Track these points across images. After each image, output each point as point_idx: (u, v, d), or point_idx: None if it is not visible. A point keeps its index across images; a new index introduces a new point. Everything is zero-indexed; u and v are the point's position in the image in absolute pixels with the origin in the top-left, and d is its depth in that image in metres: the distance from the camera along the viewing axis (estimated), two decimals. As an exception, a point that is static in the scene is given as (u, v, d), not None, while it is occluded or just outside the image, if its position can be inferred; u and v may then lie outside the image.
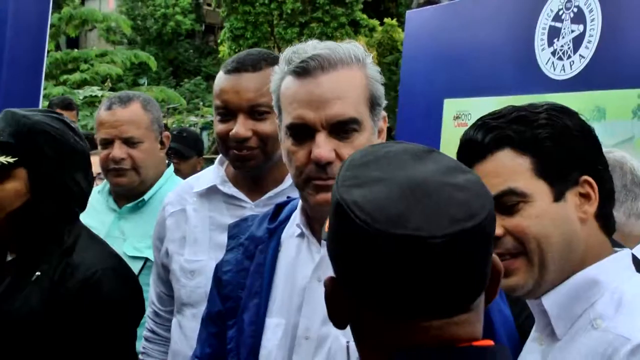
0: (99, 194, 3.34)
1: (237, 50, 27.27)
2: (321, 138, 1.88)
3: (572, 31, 3.80)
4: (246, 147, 2.47)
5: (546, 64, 3.93)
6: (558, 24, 3.89)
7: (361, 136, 1.90)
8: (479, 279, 1.18)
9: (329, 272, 1.93)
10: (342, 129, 1.88)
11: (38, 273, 2.33)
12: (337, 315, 1.27)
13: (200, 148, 5.78)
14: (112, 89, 17.61)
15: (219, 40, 31.89)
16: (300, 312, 1.97)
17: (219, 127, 2.51)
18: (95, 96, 15.64)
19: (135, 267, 2.85)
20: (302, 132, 1.91)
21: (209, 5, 37.90)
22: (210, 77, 32.13)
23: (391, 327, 1.18)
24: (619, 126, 3.54)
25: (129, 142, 3.16)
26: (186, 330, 2.61)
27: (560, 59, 3.86)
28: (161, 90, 24.33)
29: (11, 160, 2.30)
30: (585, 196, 1.66)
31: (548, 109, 1.69)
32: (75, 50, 21.20)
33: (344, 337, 1.87)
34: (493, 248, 1.22)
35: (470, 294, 1.18)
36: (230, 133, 2.46)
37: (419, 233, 1.10)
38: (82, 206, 2.49)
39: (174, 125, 16.70)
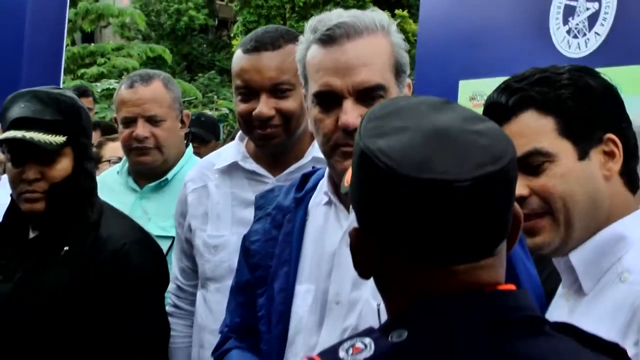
0: (117, 175, 3.33)
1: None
2: (348, 105, 1.89)
3: (587, 9, 3.79)
4: (270, 126, 2.47)
5: (561, 42, 3.92)
6: (573, 3, 3.88)
7: None
8: (503, 224, 1.19)
9: None
10: (368, 95, 1.89)
11: (66, 248, 2.36)
12: (362, 265, 1.27)
13: (218, 133, 5.76)
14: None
15: (232, 34, 31.89)
16: (330, 278, 1.98)
17: (241, 106, 2.51)
18: (113, 89, 15.64)
19: (164, 245, 2.84)
20: (329, 100, 1.92)
21: (222, 0, 37.86)
22: (224, 71, 32.15)
23: (417, 274, 1.19)
24: (636, 101, 3.53)
25: (152, 121, 3.12)
26: (211, 304, 2.63)
27: (575, 37, 3.84)
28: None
29: (63, 139, 2.33)
30: (610, 154, 1.66)
31: (570, 69, 1.70)
32: (92, 44, 21.28)
33: (374, 300, 1.88)
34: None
35: (494, 238, 1.19)
36: (254, 113, 2.46)
37: (445, 177, 1.11)
38: None
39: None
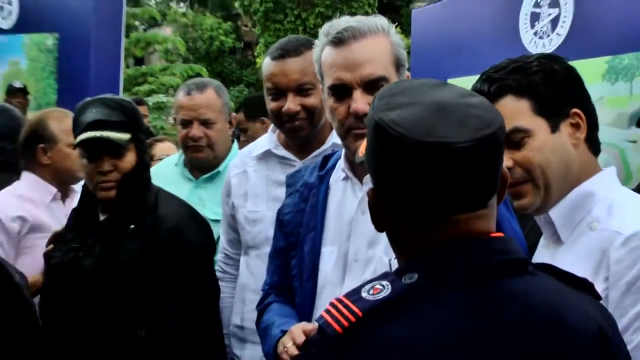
0: (175, 166, 3.31)
1: (271, 61, 27.27)
2: (357, 94, 1.90)
3: (550, 14, 3.80)
4: (297, 119, 2.49)
5: (529, 43, 3.93)
6: (537, 10, 3.89)
7: None
8: (494, 179, 1.20)
9: None
10: (374, 86, 1.89)
11: (132, 226, 2.38)
12: (378, 220, 1.27)
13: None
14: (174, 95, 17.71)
15: (255, 54, 31.90)
16: (349, 240, 2.00)
17: (272, 104, 2.53)
18: (162, 102, 15.73)
19: (217, 229, 2.85)
20: (341, 91, 1.93)
21: (246, 26, 37.85)
22: (250, 85, 32.16)
23: (424, 226, 1.20)
24: (592, 89, 3.51)
25: (206, 123, 3.10)
26: (252, 267, 2.65)
27: (541, 38, 3.86)
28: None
29: (129, 136, 2.37)
30: (576, 125, 1.67)
31: (538, 57, 1.71)
32: (143, 66, 21.41)
33: (386, 256, 1.90)
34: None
35: (488, 192, 1.20)
36: (283, 109, 2.48)
37: (447, 139, 1.12)
38: None
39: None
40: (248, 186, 2.70)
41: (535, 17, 3.90)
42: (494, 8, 4.28)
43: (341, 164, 2.08)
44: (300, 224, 2.10)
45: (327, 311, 1.16)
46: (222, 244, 2.88)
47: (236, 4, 29.79)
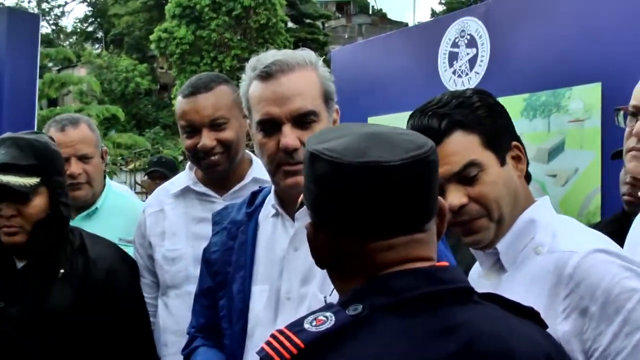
0: None
1: (188, 102, 27.23)
2: (287, 129, 1.85)
3: (468, 54, 3.86)
4: (213, 154, 2.45)
5: (449, 81, 3.98)
6: (456, 49, 3.94)
7: (320, 125, 1.86)
8: (430, 202, 1.21)
9: (303, 242, 1.91)
10: (303, 120, 1.85)
11: (62, 271, 2.28)
12: (319, 253, 1.26)
13: (175, 170, 5.66)
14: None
15: (172, 96, 31.70)
16: (282, 278, 1.93)
17: (187, 142, 2.49)
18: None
19: None
20: (270, 126, 1.88)
21: (162, 68, 37.67)
22: (166, 126, 31.91)
23: (364, 250, 1.19)
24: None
25: (83, 158, 2.95)
26: (171, 308, 2.57)
27: (459, 76, 3.91)
28: (129, 137, 24.02)
29: (37, 180, 2.25)
30: (517, 158, 1.67)
31: (474, 92, 1.68)
32: (58, 107, 20.98)
33: (321, 294, 1.84)
34: (444, 197, 1.24)
35: (424, 214, 1.20)
36: (198, 146, 2.43)
37: (380, 159, 1.14)
38: None
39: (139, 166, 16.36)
40: (165, 224, 2.62)
41: (453, 57, 3.96)
42: (413, 48, 4.33)
43: (271, 199, 2.01)
44: (228, 262, 2.02)
45: (268, 343, 1.12)
46: None
47: (152, 46, 29.68)
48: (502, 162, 1.63)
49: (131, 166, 22.35)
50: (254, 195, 2.11)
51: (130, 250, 2.68)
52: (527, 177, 1.72)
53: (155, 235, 2.62)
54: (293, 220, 1.95)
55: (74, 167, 2.91)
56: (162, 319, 2.59)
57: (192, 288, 2.43)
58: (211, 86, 2.45)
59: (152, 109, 35.32)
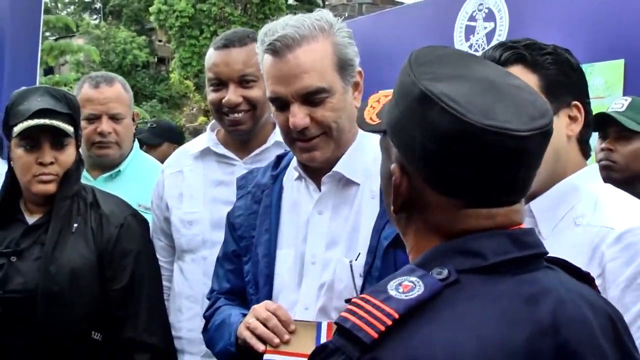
0: None
1: (186, 77, 27.05)
2: (295, 108, 1.80)
3: (485, 28, 3.80)
4: (238, 111, 2.38)
5: (465, 55, 3.92)
6: (472, 23, 3.88)
7: (333, 99, 1.81)
8: (535, 174, 1.14)
9: (328, 206, 1.88)
10: (312, 97, 1.80)
11: (75, 225, 2.27)
12: (400, 200, 1.14)
13: (172, 137, 5.39)
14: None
15: (170, 69, 31.51)
16: (306, 242, 1.90)
17: (212, 95, 2.42)
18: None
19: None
20: (279, 104, 1.85)
21: (160, 41, 37.41)
22: (163, 100, 31.73)
23: (458, 213, 1.10)
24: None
25: (115, 118, 2.91)
26: (186, 273, 2.51)
27: (476, 50, 3.85)
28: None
29: (72, 129, 2.26)
30: (573, 118, 1.62)
31: (555, 46, 1.66)
32: (57, 75, 20.82)
33: (347, 258, 1.81)
34: None
35: (529, 185, 1.13)
36: (223, 100, 2.37)
37: (508, 125, 1.02)
38: None
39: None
40: (183, 187, 2.56)
41: (470, 31, 3.90)
42: (427, 21, 4.26)
43: (294, 162, 1.98)
44: (253, 226, 1.99)
45: (352, 312, 1.02)
46: None
47: (151, 18, 29.38)
48: (554, 112, 1.57)
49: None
50: (279, 158, 2.08)
51: (149, 217, 2.63)
52: (585, 148, 1.66)
53: (172, 197, 2.56)
54: (316, 184, 1.92)
55: (105, 125, 2.88)
56: (177, 283, 2.55)
57: (208, 253, 2.41)
58: (245, 42, 2.38)
59: (150, 82, 35.10)
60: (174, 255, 2.61)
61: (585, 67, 3.24)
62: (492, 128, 1.02)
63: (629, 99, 2.72)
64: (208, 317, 2.06)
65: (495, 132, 1.02)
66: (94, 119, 2.90)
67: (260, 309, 1.77)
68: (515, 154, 1.04)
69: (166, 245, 2.64)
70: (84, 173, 2.94)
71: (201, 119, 24.42)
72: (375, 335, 0.99)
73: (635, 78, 2.88)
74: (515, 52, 1.59)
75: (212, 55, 2.41)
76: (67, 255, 2.23)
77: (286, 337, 1.73)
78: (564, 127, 1.61)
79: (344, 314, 1.02)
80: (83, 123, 2.83)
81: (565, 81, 1.60)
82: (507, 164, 1.05)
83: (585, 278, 1.20)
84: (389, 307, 1.00)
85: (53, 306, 2.18)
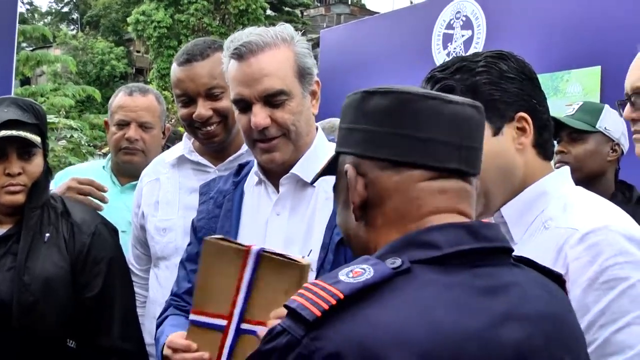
0: (103, 169, 3.11)
1: (164, 87, 27.03)
2: (257, 108, 1.90)
3: (463, 36, 3.81)
4: (209, 124, 2.38)
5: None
6: (450, 31, 3.89)
7: (292, 102, 1.91)
8: (480, 156, 1.21)
9: (286, 207, 1.96)
10: (272, 99, 1.89)
11: (48, 234, 2.26)
12: (358, 197, 1.17)
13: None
14: (65, 117, 17.26)
15: (147, 80, 31.45)
16: (265, 241, 1.93)
17: (182, 111, 2.41)
18: (53, 122, 15.06)
19: None
20: (242, 105, 1.93)
21: (138, 51, 37.36)
22: (142, 111, 31.67)
23: (414, 189, 1.14)
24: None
25: (143, 127, 2.94)
26: (161, 279, 2.51)
27: (454, 58, 3.85)
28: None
29: (39, 139, 2.26)
30: (522, 129, 1.57)
31: (486, 56, 1.60)
32: (33, 86, 20.67)
33: (301, 255, 1.85)
34: None
35: (477, 165, 1.19)
36: (194, 115, 2.36)
37: (442, 96, 1.18)
38: None
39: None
40: (160, 194, 2.56)
41: (448, 39, 3.90)
42: (405, 29, 4.27)
43: (255, 168, 2.05)
44: (213, 229, 2.04)
45: (301, 295, 1.03)
46: (129, 260, 2.69)
47: (129, 29, 29.35)
48: (496, 132, 1.55)
49: (105, 150, 22.12)
50: (241, 167, 2.16)
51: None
52: (544, 150, 1.61)
53: (149, 204, 2.57)
54: (274, 186, 2.00)
55: (132, 131, 2.90)
56: (153, 290, 2.55)
57: (181, 260, 2.39)
58: (207, 53, 2.37)
59: (127, 93, 35.11)
60: (150, 263, 2.61)
61: (563, 74, 3.25)
62: (429, 94, 1.14)
63: (580, 103, 2.77)
64: (157, 325, 2.10)
65: (432, 96, 1.14)
66: (123, 125, 2.93)
67: (174, 337, 1.80)
68: (451, 118, 1.14)
69: (141, 254, 2.65)
70: (112, 177, 3.04)
71: (181, 129, 24.40)
72: (319, 313, 1.00)
73: (611, 84, 2.89)
74: (444, 84, 1.56)
75: (176, 71, 2.42)
76: (41, 265, 2.22)
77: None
78: (511, 142, 1.57)
79: (293, 297, 1.04)
80: (113, 129, 2.94)
81: (502, 96, 1.56)
82: (447, 128, 1.14)
83: (559, 279, 1.22)
84: (336, 288, 1.02)
85: (28, 316, 2.17)
